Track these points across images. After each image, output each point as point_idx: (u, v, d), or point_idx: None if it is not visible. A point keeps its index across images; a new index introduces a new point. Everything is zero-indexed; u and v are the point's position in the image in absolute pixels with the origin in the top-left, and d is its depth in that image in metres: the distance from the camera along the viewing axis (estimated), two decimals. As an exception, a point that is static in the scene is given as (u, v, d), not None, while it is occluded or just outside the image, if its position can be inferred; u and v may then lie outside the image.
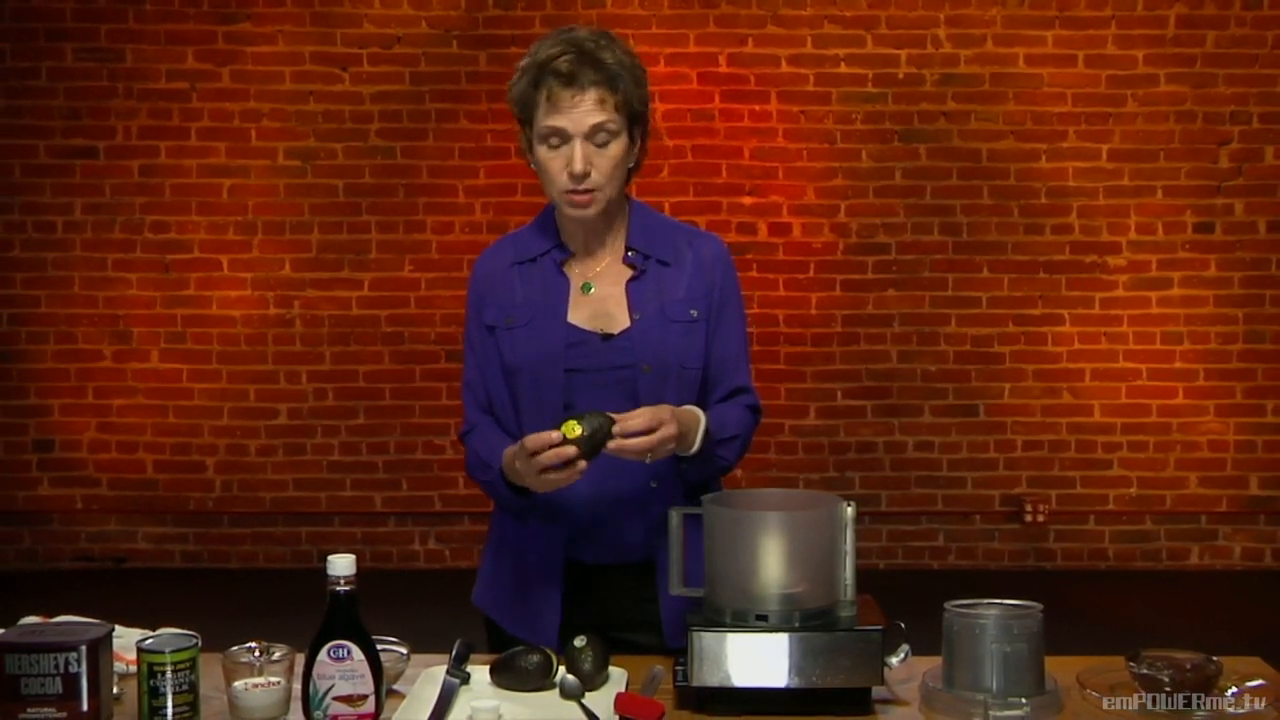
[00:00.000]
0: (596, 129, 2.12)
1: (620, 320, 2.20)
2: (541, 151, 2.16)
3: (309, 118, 6.19)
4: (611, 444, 1.99)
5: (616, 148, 2.15)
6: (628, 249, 2.24)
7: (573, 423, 1.97)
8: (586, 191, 2.14)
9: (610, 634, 2.11)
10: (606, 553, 2.22)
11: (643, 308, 2.20)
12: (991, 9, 6.15)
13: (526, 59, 2.18)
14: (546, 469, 1.99)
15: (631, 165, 2.23)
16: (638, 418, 2.01)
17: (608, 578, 2.23)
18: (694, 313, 2.21)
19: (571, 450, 1.96)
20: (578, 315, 2.21)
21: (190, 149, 6.19)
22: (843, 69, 6.17)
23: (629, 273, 2.23)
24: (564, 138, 2.13)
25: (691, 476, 2.19)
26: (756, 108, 6.19)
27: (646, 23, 6.07)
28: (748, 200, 6.20)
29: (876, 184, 6.21)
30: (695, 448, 2.12)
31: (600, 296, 2.22)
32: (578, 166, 2.11)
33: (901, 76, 6.18)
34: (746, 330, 2.33)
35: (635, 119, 2.19)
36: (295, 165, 6.21)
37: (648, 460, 2.04)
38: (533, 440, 1.99)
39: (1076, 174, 6.18)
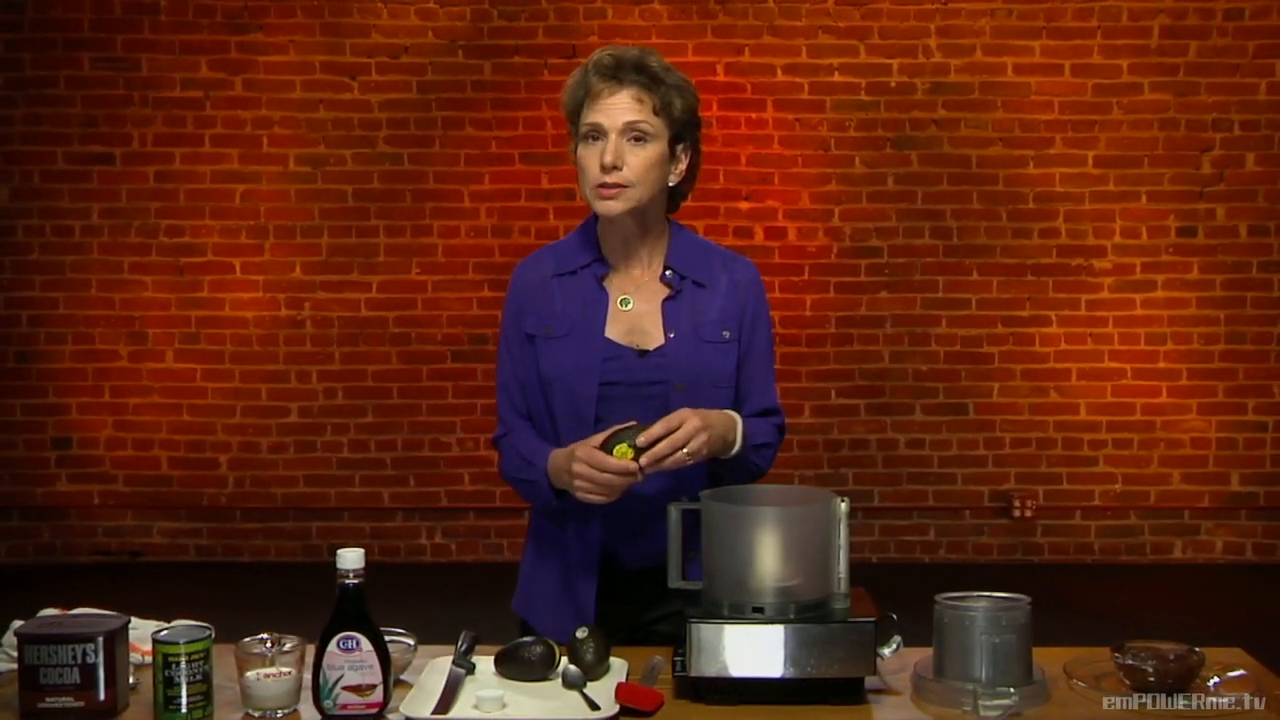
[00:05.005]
0: (631, 126, 2.16)
1: (655, 337, 2.23)
2: (580, 149, 2.20)
3: (319, 125, 6.27)
4: (643, 459, 2.04)
5: (652, 150, 2.18)
6: (665, 268, 2.27)
7: (624, 447, 2.04)
8: (615, 186, 2.16)
9: (641, 630, 2.17)
10: (638, 556, 2.25)
11: (677, 326, 2.23)
12: (981, 20, 6.23)
13: (577, 69, 2.25)
14: (594, 485, 2.07)
15: (675, 184, 2.26)
16: (656, 427, 2.06)
17: (641, 580, 2.25)
18: (726, 334, 2.25)
19: (635, 466, 2.04)
20: (614, 330, 2.23)
21: (204, 155, 6.26)
22: (837, 78, 6.25)
23: (665, 291, 2.26)
24: (601, 133, 2.17)
25: (726, 483, 2.19)
26: (753, 115, 6.26)
27: (646, 33, 6.11)
28: (744, 205, 6.28)
29: (869, 189, 6.29)
30: (736, 448, 2.17)
31: (637, 313, 2.25)
32: (608, 158, 2.15)
33: (893, 85, 6.26)
34: (774, 351, 2.36)
35: (679, 130, 2.22)
36: (306, 171, 6.29)
37: (688, 461, 2.07)
38: (585, 453, 2.07)
39: (1063, 179, 6.26)
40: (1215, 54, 6.22)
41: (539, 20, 6.21)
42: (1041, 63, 6.24)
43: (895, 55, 6.26)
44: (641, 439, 2.05)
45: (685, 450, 2.06)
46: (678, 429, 2.06)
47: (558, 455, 2.17)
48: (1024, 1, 6.24)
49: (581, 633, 2.01)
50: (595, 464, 2.07)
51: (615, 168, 2.16)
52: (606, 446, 2.07)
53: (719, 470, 2.21)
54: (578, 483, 2.10)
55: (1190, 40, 6.22)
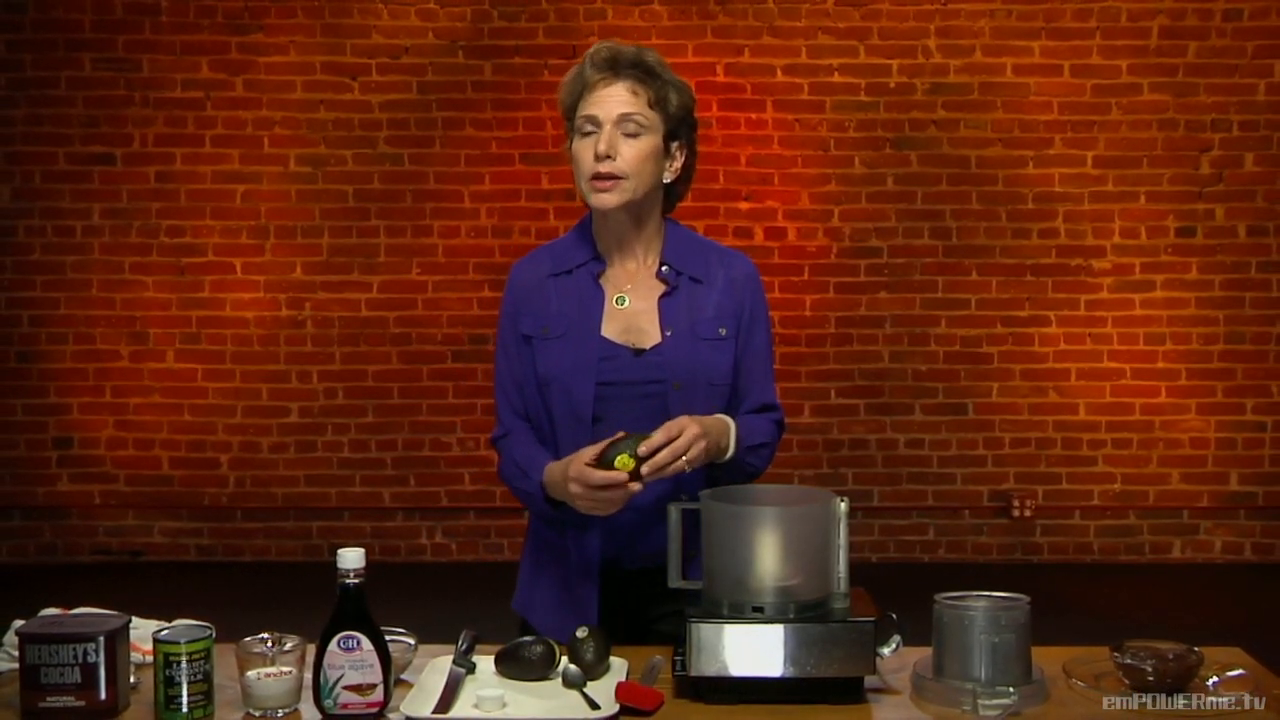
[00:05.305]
0: (625, 118, 2.17)
1: (651, 335, 2.23)
2: (576, 142, 2.21)
3: (320, 125, 6.29)
4: (644, 469, 2.04)
5: (646, 142, 2.18)
6: (661, 264, 2.27)
7: (625, 457, 2.04)
8: (610, 177, 2.16)
9: (642, 628, 2.18)
10: (639, 558, 2.25)
11: (674, 324, 2.22)
12: (980, 20, 6.24)
13: (574, 65, 2.26)
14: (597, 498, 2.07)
15: (670, 183, 2.26)
16: (656, 435, 2.05)
17: (641, 581, 2.24)
18: (723, 330, 2.24)
19: (625, 477, 2.04)
20: (610, 329, 2.23)
21: (205, 156, 6.28)
22: (836, 78, 6.27)
23: (661, 288, 2.25)
24: (596, 125, 2.17)
25: (723, 484, 2.19)
26: (753, 116, 6.27)
27: (646, 34, 6.12)
28: (744, 205, 6.29)
29: (869, 190, 6.30)
30: (730, 452, 2.17)
31: (633, 311, 2.24)
32: (601, 146, 2.15)
33: (893, 86, 6.27)
34: (773, 348, 2.35)
35: (674, 127, 2.23)
36: (306, 171, 6.30)
37: (687, 469, 2.07)
38: (576, 472, 2.07)
39: (1062, 180, 6.27)
40: (1214, 54, 6.24)
41: (539, 21, 6.23)
42: (1041, 63, 6.26)
43: (895, 56, 6.27)
44: (643, 449, 2.05)
45: (685, 458, 2.07)
46: (678, 437, 2.06)
47: (554, 469, 2.17)
48: (1023, 2, 6.25)
49: (581, 632, 2.01)
50: (586, 482, 2.07)
51: (608, 157, 2.16)
52: (606, 458, 2.07)
53: (715, 473, 2.21)
54: (578, 501, 2.11)
55: (1189, 41, 6.23)
